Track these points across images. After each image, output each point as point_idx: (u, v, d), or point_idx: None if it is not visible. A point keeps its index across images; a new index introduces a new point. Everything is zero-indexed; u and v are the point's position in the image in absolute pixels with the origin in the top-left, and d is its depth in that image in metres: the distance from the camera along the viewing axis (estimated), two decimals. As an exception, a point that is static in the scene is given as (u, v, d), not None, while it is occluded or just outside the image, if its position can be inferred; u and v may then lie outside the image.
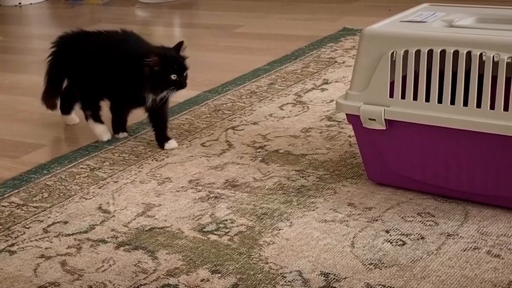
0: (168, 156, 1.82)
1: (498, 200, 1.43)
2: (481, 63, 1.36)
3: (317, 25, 3.13)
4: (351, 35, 2.83)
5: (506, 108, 1.34)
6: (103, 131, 1.92)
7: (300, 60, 2.58)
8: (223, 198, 1.58)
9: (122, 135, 1.94)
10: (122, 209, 1.56)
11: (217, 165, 1.75)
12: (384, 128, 1.48)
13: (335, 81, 2.30)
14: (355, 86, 1.52)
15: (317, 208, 1.50)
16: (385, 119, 1.47)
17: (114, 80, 1.82)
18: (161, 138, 1.86)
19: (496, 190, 1.42)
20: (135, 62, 1.75)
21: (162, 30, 3.49)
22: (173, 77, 1.75)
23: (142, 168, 1.76)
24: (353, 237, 1.38)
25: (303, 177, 1.65)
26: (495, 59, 1.35)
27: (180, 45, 1.80)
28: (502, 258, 1.27)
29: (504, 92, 1.34)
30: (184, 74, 1.77)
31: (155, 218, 1.51)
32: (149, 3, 3.86)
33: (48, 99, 2.01)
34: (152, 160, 1.80)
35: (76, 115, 2.06)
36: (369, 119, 1.49)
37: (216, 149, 1.84)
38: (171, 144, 1.85)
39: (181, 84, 1.77)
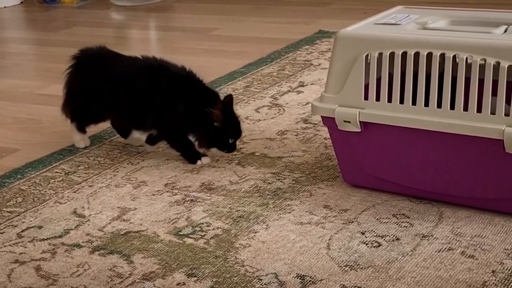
0: (143, 160, 1.81)
1: (472, 201, 1.44)
2: (455, 65, 1.37)
3: (293, 28, 3.14)
4: (327, 37, 2.84)
5: (479, 110, 1.35)
6: (79, 140, 1.88)
7: (276, 62, 2.58)
8: (199, 201, 1.57)
9: (205, 160, 1.76)
10: (97, 213, 1.55)
11: (193, 168, 1.74)
12: (359, 130, 1.49)
13: (311, 84, 2.31)
14: (330, 89, 1.53)
15: (293, 210, 1.50)
16: (360, 121, 1.48)
17: (165, 112, 1.72)
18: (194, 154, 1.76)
19: (470, 191, 1.43)
20: (194, 101, 1.68)
21: (138, 34, 3.48)
22: (230, 140, 1.70)
23: (117, 172, 1.75)
24: (329, 239, 1.38)
25: (279, 179, 1.65)
26: (469, 61, 1.36)
27: (231, 98, 1.70)
28: (476, 259, 1.28)
29: (477, 94, 1.35)
30: (238, 138, 1.73)
31: (130, 222, 1.50)
32: (124, 6, 3.85)
33: (68, 110, 1.90)
34: (127, 164, 1.79)
35: (140, 136, 1.89)
36: (344, 121, 1.50)
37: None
38: (204, 160, 1.75)
39: (233, 148, 1.72)
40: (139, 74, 1.74)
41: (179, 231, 1.45)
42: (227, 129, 1.69)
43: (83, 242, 1.44)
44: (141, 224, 1.49)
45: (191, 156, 1.76)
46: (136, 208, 1.56)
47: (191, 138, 1.73)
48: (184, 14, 3.67)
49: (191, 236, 1.43)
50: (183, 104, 1.69)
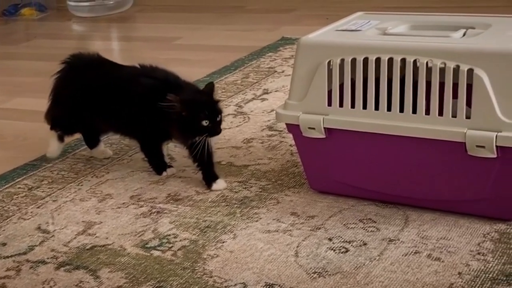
0: (108, 172, 1.79)
1: (437, 204, 1.45)
2: (416, 70, 1.38)
3: (256, 35, 3.15)
4: (290, 44, 2.85)
5: (440, 113, 1.37)
6: (55, 149, 1.85)
7: (240, 70, 2.58)
8: (165, 212, 1.56)
9: (170, 171, 1.74)
10: (62, 228, 1.53)
11: (158, 180, 1.73)
12: (324, 136, 1.49)
13: (275, 91, 2.31)
14: (294, 96, 1.53)
15: (260, 218, 1.50)
16: (324, 128, 1.48)
17: (138, 117, 1.68)
18: (208, 177, 1.66)
19: (434, 194, 1.44)
20: (156, 101, 1.61)
21: (100, 45, 3.45)
22: (205, 123, 1.59)
23: (81, 185, 1.73)
24: (297, 247, 1.38)
25: (245, 188, 1.65)
26: (429, 65, 1.37)
27: (211, 86, 1.64)
28: (442, 261, 1.29)
29: (438, 98, 1.36)
30: (218, 119, 1.61)
31: (96, 236, 1.48)
32: (85, 17, 3.82)
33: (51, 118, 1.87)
34: (92, 177, 1.77)
35: (107, 148, 1.91)
36: (309, 128, 1.50)
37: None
38: (219, 184, 1.65)
39: (214, 130, 1.60)
40: (121, 83, 1.72)
41: (146, 244, 1.44)
42: (196, 113, 1.58)
43: (48, 258, 1.42)
44: (107, 238, 1.47)
45: (157, 166, 1.74)
46: (101, 222, 1.54)
47: (176, 141, 1.70)
48: (146, 24, 3.66)
49: (158, 248, 1.42)
50: (146, 108, 1.65)
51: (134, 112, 1.68)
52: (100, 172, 1.80)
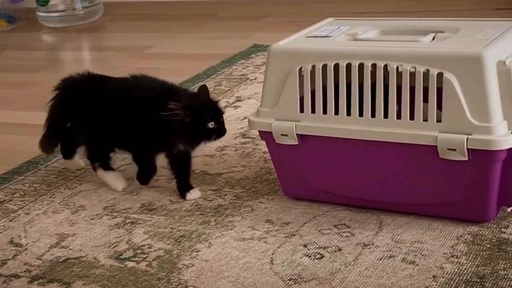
0: (81, 184, 1.78)
1: (410, 207, 1.46)
2: (386, 74, 1.39)
3: (227, 42, 3.14)
4: (262, 51, 2.85)
5: (412, 117, 1.37)
6: (116, 179, 1.73)
7: (212, 78, 2.58)
8: (139, 223, 1.55)
9: (195, 194, 1.66)
10: (35, 242, 1.51)
11: (132, 190, 1.72)
12: (297, 143, 1.50)
13: (248, 98, 2.31)
14: (266, 103, 1.53)
15: (235, 226, 1.50)
16: (297, 134, 1.48)
17: (135, 129, 1.63)
18: (183, 187, 1.65)
19: (408, 198, 1.45)
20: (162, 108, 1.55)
21: (71, 55, 3.43)
22: (211, 125, 1.56)
23: (54, 197, 1.71)
24: (272, 254, 1.38)
25: (220, 196, 1.65)
26: (399, 70, 1.38)
27: (205, 88, 1.62)
28: (417, 265, 1.29)
29: (409, 102, 1.37)
30: (222, 120, 1.58)
31: (69, 249, 1.47)
32: (55, 28, 3.79)
33: (47, 145, 1.80)
34: (64, 189, 1.76)
35: (80, 159, 1.85)
36: (282, 135, 1.50)
37: (130, 173, 1.80)
38: (194, 194, 1.65)
39: (221, 131, 1.57)
40: (119, 97, 1.66)
41: (120, 255, 1.43)
42: (200, 116, 1.55)
43: (21, 272, 1.40)
44: (80, 250, 1.46)
45: (142, 177, 1.70)
46: (75, 234, 1.53)
47: (181, 148, 1.62)
48: (117, 33, 3.64)
49: (133, 259, 1.41)
50: (146, 122, 1.61)
51: (137, 125, 1.62)
52: (73, 183, 1.79)
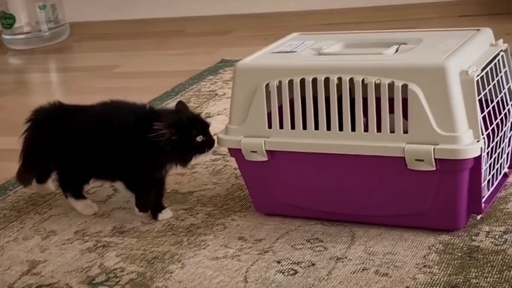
0: (51, 208, 1.76)
1: (382, 219, 1.47)
2: (353, 87, 1.40)
3: (195, 59, 3.15)
4: (230, 66, 2.86)
5: (379, 129, 1.38)
6: (87, 206, 1.71)
7: (181, 95, 2.58)
8: (111, 246, 1.54)
9: (167, 215, 1.64)
10: (6, 270, 1.49)
11: (103, 212, 1.71)
12: (266, 159, 1.50)
13: (217, 114, 2.31)
14: (234, 120, 1.53)
15: (208, 245, 1.49)
16: (266, 150, 1.49)
17: (122, 157, 1.59)
18: (155, 208, 1.63)
19: (378, 209, 1.45)
20: (144, 134, 1.53)
21: (38, 77, 3.40)
22: (199, 139, 1.55)
23: (24, 223, 1.70)
24: (246, 272, 1.38)
25: (192, 215, 1.64)
26: (365, 82, 1.39)
27: (183, 104, 1.61)
28: (390, 276, 1.30)
29: (375, 114, 1.38)
30: (208, 131, 1.57)
31: (41, 275, 1.45)
32: (21, 50, 3.76)
33: (25, 178, 1.77)
34: (34, 214, 1.74)
35: (52, 183, 1.81)
36: (251, 151, 1.50)
37: (101, 196, 1.80)
38: (165, 214, 1.63)
39: (210, 142, 1.56)
40: (93, 126, 1.62)
41: (93, 280, 1.41)
42: (187, 131, 1.54)
43: (-8, 302, 1.38)
44: (52, 277, 1.44)
45: (144, 205, 1.65)
46: (46, 260, 1.51)
47: (170, 169, 1.61)
48: (84, 53, 3.62)
49: (105, 283, 1.40)
50: (132, 147, 1.57)
51: (124, 152, 1.59)
52: (42, 208, 1.77)
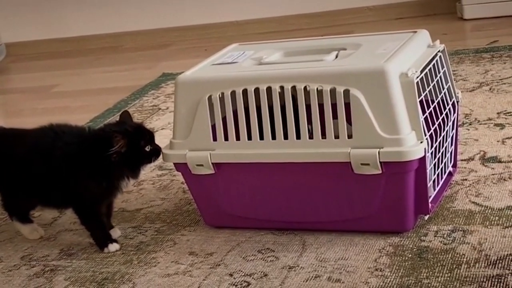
0: (-5, 235, 1.72)
1: (331, 225, 1.47)
2: (295, 95, 1.40)
3: (135, 74, 3.12)
4: (171, 79, 2.84)
5: (323, 136, 1.39)
6: (33, 231, 1.66)
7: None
8: (59, 269, 1.51)
9: (114, 247, 1.56)
10: (-50, 302, 1.45)
11: (49, 236, 1.67)
12: (213, 172, 1.49)
13: (162, 129, 2.29)
14: (178, 134, 1.52)
15: (158, 263, 1.47)
16: (212, 163, 1.48)
17: (75, 180, 1.53)
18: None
19: (327, 215, 1.46)
20: (94, 152, 1.50)
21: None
22: (147, 148, 1.52)
23: (-33, 252, 1.65)
24: (198, 287, 1.36)
25: (140, 233, 1.62)
26: (308, 89, 1.39)
27: (127, 114, 1.58)
28: (342, 282, 1.30)
29: (319, 121, 1.38)
30: (154, 140, 1.55)
31: (-12, 305, 1.41)
32: (-44, 74, 3.68)
33: None
34: (-22, 242, 1.69)
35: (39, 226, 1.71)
36: (197, 165, 1.49)
37: (46, 218, 1.76)
38: (114, 233, 1.60)
39: (157, 151, 1.54)
40: (37, 149, 1.56)
41: (42, 306, 1.38)
42: (136, 141, 1.51)
43: None
44: (-1, 306, 1.41)
45: (100, 240, 1.58)
46: (-8, 289, 1.47)
47: (123, 182, 1.56)
48: (21, 74, 3.56)
49: (55, 309, 1.36)
50: (82, 169, 1.53)
51: (76, 176, 1.53)
52: (-14, 235, 1.72)
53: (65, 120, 1.62)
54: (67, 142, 1.54)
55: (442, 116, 1.50)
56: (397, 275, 1.29)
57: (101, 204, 1.57)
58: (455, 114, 1.58)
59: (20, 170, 1.58)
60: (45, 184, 1.56)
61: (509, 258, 1.28)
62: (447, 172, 1.58)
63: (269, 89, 1.42)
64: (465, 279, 1.24)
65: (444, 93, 1.54)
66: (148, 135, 1.54)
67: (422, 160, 1.36)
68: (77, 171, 1.52)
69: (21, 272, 1.52)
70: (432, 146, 1.43)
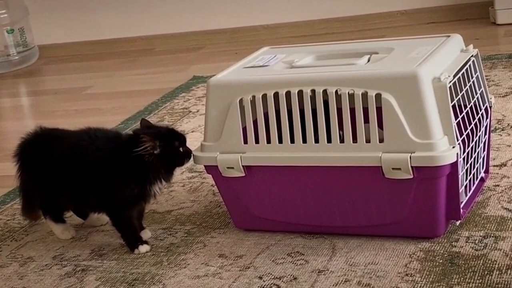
0: (28, 234, 1.73)
1: (361, 229, 1.46)
2: (327, 99, 1.40)
3: (166, 77, 3.14)
4: (202, 82, 2.85)
5: (355, 140, 1.38)
6: (64, 230, 1.68)
7: (154, 114, 2.57)
8: (90, 269, 1.52)
9: (144, 248, 1.57)
10: (-16, 300, 1.47)
11: (81, 236, 1.69)
12: (243, 174, 1.49)
13: (192, 131, 2.30)
14: (209, 137, 1.52)
15: (188, 264, 1.48)
16: (242, 166, 1.48)
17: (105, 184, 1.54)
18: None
19: (357, 220, 1.45)
20: (125, 156, 1.51)
21: (8, 102, 3.36)
22: (181, 149, 1.54)
23: (1, 251, 1.67)
24: (228, 289, 1.37)
25: (170, 234, 1.63)
26: (339, 93, 1.39)
27: (147, 121, 1.61)
28: (372, 287, 1.29)
29: (350, 125, 1.38)
30: (186, 142, 1.56)
31: (20, 304, 1.43)
32: (-10, 75, 3.73)
33: (30, 212, 1.73)
34: (11, 241, 1.71)
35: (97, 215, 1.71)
36: (227, 167, 1.49)
37: (77, 219, 1.77)
38: (144, 234, 1.60)
39: (189, 153, 1.55)
40: (72, 153, 1.58)
41: (73, 305, 1.40)
42: (168, 143, 1.53)
43: (-29, 333, 1.35)
44: (31, 304, 1.42)
45: (130, 242, 1.59)
46: (25, 287, 1.49)
47: (156, 186, 1.56)
48: (54, 76, 3.60)
49: (86, 308, 1.38)
50: (117, 173, 1.54)
51: (99, 181, 1.55)
52: (19, 235, 1.74)
53: (96, 122, 1.65)
54: (98, 147, 1.55)
55: (474, 121, 1.49)
56: (427, 280, 1.29)
57: (132, 209, 1.58)
58: (488, 120, 1.57)
59: (57, 172, 1.60)
60: (79, 188, 1.58)
61: (542, 266, 1.27)
62: (479, 177, 1.57)
63: (300, 93, 1.42)
64: (496, 285, 1.23)
65: (477, 98, 1.52)
66: (181, 137, 1.56)
67: (454, 165, 1.35)
68: (108, 177, 1.54)
69: (53, 271, 1.54)
70: (464, 151, 1.42)
